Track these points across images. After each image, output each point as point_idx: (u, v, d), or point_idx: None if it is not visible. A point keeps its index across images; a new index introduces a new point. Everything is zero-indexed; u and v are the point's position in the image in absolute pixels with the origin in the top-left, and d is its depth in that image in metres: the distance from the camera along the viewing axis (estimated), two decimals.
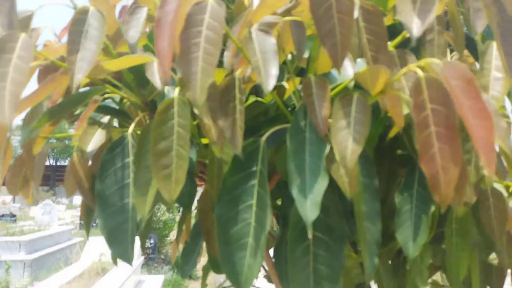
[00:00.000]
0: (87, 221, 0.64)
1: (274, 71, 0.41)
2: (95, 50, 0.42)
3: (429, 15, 0.38)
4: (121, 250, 0.47)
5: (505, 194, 0.60)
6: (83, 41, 0.42)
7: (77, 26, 0.43)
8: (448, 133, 0.34)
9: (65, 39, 0.65)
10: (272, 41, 0.43)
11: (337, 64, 0.39)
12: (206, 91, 0.36)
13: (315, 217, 0.38)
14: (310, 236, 0.40)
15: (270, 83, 0.40)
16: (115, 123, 0.67)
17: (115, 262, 0.62)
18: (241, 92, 0.44)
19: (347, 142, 0.39)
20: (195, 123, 0.52)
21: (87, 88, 0.51)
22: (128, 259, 0.46)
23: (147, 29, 0.60)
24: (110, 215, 0.47)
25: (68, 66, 0.40)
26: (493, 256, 0.73)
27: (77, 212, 11.42)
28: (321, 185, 0.40)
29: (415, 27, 0.38)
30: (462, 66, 0.35)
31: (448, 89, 0.35)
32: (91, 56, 0.41)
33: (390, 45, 0.48)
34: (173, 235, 6.98)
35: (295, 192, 0.40)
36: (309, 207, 0.38)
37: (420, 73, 0.37)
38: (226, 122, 0.42)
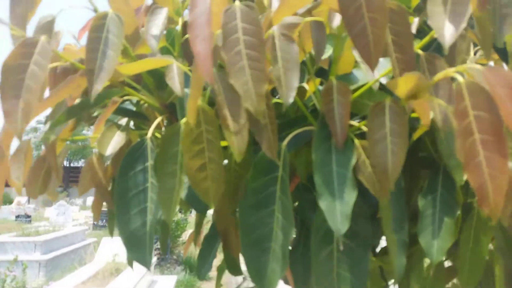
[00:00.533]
0: (111, 222, 0.64)
1: (295, 83, 0.40)
2: (113, 58, 0.41)
3: (463, 19, 0.36)
4: (139, 255, 0.46)
5: None
6: (102, 48, 0.42)
7: (96, 33, 0.43)
8: (494, 140, 0.33)
9: (83, 40, 0.65)
10: (295, 49, 0.42)
11: (371, 65, 0.38)
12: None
13: (345, 229, 0.37)
14: (341, 248, 0.39)
15: (290, 96, 0.39)
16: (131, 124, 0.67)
17: (130, 265, 0.61)
18: (269, 96, 0.43)
19: (386, 156, 0.38)
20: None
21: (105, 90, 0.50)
22: (146, 264, 0.46)
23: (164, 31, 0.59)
24: (129, 219, 0.47)
25: (87, 76, 0.40)
26: None
27: (91, 213, 11.54)
28: (351, 196, 0.39)
29: (447, 36, 0.36)
30: (505, 72, 0.33)
31: (492, 95, 0.33)
32: (109, 65, 0.41)
33: (416, 46, 0.47)
34: (185, 235, 7.01)
35: (323, 204, 0.39)
36: (339, 220, 0.37)
37: (460, 78, 0.36)
38: (257, 127, 0.41)
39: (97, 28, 0.44)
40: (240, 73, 0.36)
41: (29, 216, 10.39)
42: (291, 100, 0.39)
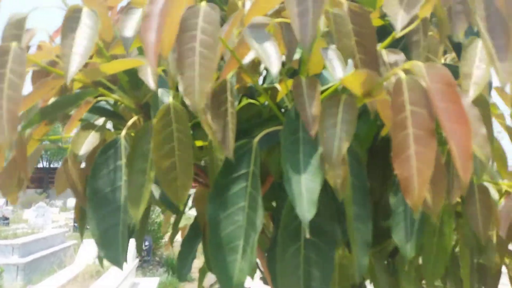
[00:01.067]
0: (81, 224, 0.64)
1: (275, 53, 0.41)
2: (88, 46, 0.42)
3: (414, 8, 0.38)
4: (112, 253, 0.46)
5: (493, 192, 0.60)
6: (76, 37, 0.42)
7: (70, 23, 0.43)
8: (425, 136, 0.34)
9: (58, 40, 0.65)
10: (265, 32, 0.43)
11: (306, 45, 0.38)
12: (205, 95, 0.37)
13: (312, 216, 0.38)
14: (307, 236, 0.40)
15: (274, 65, 0.40)
16: (110, 125, 0.67)
17: (101, 265, 0.62)
18: (233, 95, 0.44)
19: (333, 141, 0.40)
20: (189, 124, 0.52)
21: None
22: (119, 263, 0.46)
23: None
24: (102, 218, 0.47)
25: (62, 59, 0.40)
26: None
27: (71, 215, 11.34)
28: (317, 183, 0.40)
29: (399, 20, 0.38)
30: (443, 69, 0.35)
31: (428, 91, 0.35)
32: (84, 51, 0.41)
33: (380, 46, 0.48)
34: (168, 237, 6.95)
35: (290, 191, 0.40)
36: (306, 206, 0.38)
37: (402, 75, 0.37)
38: (218, 125, 0.42)
39: (71, 19, 0.44)
40: (189, 68, 0.37)
41: (7, 218, 10.14)
42: (276, 69, 0.40)
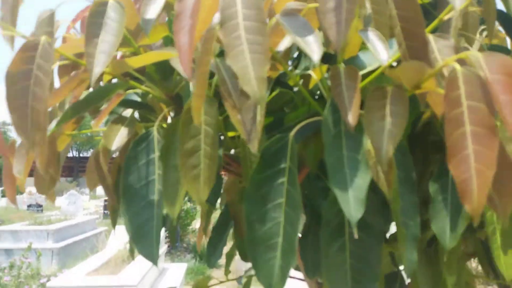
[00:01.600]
0: (113, 215, 0.64)
1: (315, 39, 0.38)
2: (114, 42, 0.40)
3: None
4: (146, 249, 0.45)
5: None
6: (102, 34, 0.41)
7: (95, 18, 0.41)
8: (485, 133, 0.31)
9: (79, 29, 0.63)
10: (300, 18, 0.41)
11: (338, 41, 0.36)
12: (265, 81, 0.34)
13: (360, 215, 0.36)
14: (356, 236, 0.38)
15: (315, 52, 0.37)
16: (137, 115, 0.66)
17: (132, 257, 0.61)
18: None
19: (382, 135, 0.37)
20: (221, 117, 0.50)
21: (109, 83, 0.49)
22: (153, 258, 0.45)
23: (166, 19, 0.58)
24: (136, 213, 0.46)
25: (87, 59, 0.39)
26: None
27: (101, 202, 11.67)
28: (364, 180, 0.37)
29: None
30: (504, 58, 0.31)
31: (488, 85, 0.31)
32: (110, 49, 0.40)
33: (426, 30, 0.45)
34: (195, 223, 7.06)
35: (336, 189, 0.37)
36: (352, 205, 0.36)
37: (457, 66, 0.34)
38: (246, 118, 0.39)
39: (97, 14, 0.42)
40: (240, 56, 0.35)
41: (40, 206, 10.54)
42: (317, 56, 0.37)
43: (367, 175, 0.37)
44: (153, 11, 0.45)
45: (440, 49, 0.41)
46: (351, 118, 0.38)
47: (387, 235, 0.71)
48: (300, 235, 0.74)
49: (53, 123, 0.47)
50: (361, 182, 0.37)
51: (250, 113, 0.39)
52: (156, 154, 0.47)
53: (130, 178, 0.46)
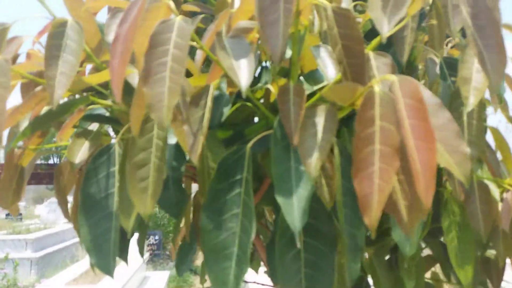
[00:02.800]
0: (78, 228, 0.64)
1: (246, 69, 0.40)
2: (74, 63, 0.41)
3: (400, 12, 0.37)
4: (102, 261, 0.46)
5: (494, 190, 0.59)
6: (62, 55, 0.42)
7: (55, 40, 0.42)
8: (391, 152, 0.33)
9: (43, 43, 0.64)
10: (243, 40, 0.42)
11: (276, 58, 0.38)
12: (172, 111, 0.36)
13: (302, 225, 0.37)
14: (298, 245, 0.40)
15: (243, 82, 0.39)
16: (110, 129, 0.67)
17: (93, 270, 0.62)
18: (212, 101, 0.43)
19: (313, 150, 0.39)
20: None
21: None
22: (109, 271, 0.46)
23: None
24: (93, 224, 0.46)
25: (47, 82, 0.40)
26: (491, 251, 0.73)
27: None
28: (307, 190, 0.39)
29: (385, 25, 0.37)
30: (414, 84, 0.33)
31: (398, 107, 0.33)
32: (70, 70, 0.41)
33: (367, 48, 0.47)
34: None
35: (280, 199, 0.39)
36: (296, 216, 0.38)
37: (377, 88, 0.36)
38: (191, 130, 0.41)
39: (56, 35, 0.43)
40: (160, 83, 0.36)
41: (20, 214, 10.29)
42: (245, 83, 0.39)
43: (310, 187, 0.39)
44: (113, 33, 0.46)
45: (379, 66, 0.43)
46: (295, 133, 0.40)
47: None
48: (265, 243, 0.76)
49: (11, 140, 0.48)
50: (304, 193, 0.38)
51: (195, 125, 0.41)
52: (116, 167, 0.48)
53: (89, 190, 0.47)
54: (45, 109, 0.49)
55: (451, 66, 0.60)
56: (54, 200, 9.85)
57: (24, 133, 0.45)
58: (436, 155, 0.31)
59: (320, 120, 0.40)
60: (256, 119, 0.62)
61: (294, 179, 0.40)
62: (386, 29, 0.36)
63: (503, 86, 0.65)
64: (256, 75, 0.63)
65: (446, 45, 0.72)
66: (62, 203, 0.55)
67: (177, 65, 0.37)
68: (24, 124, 0.48)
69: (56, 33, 0.43)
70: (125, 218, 0.43)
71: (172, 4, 0.40)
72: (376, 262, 0.71)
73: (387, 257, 0.77)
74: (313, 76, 0.56)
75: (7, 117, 0.45)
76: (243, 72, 0.39)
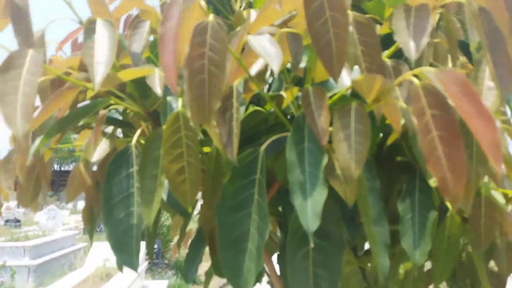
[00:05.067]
0: (90, 227, 0.66)
1: (277, 52, 0.43)
2: (109, 54, 0.44)
3: (424, 35, 0.39)
4: (126, 257, 0.48)
5: (501, 201, 0.61)
6: (96, 47, 0.45)
7: (90, 34, 0.45)
8: (449, 136, 0.36)
9: (67, 51, 0.67)
10: (267, 36, 0.45)
11: (335, 76, 0.41)
12: (214, 113, 0.38)
13: (316, 227, 0.39)
14: (312, 245, 0.42)
15: (275, 63, 0.42)
16: (120, 134, 0.69)
17: (120, 269, 0.63)
18: (238, 101, 0.45)
19: (350, 154, 0.41)
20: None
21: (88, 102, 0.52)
22: (133, 266, 0.48)
23: (151, 37, 0.62)
24: (116, 223, 0.49)
25: (88, 68, 0.42)
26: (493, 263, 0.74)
27: (81, 217, 11.42)
28: (321, 195, 0.41)
29: (412, 50, 0.40)
30: (456, 72, 0.36)
31: (446, 95, 0.36)
32: (107, 60, 0.44)
33: (385, 55, 0.50)
34: (176, 240, 6.97)
35: (296, 202, 0.41)
36: (310, 218, 0.40)
37: (416, 81, 0.38)
38: (223, 130, 0.43)
39: (90, 30, 0.46)
40: (199, 86, 0.39)
41: (18, 221, 10.27)
42: (277, 66, 0.42)
43: (324, 191, 0.41)
44: (138, 44, 0.49)
45: (397, 73, 0.46)
46: (322, 134, 0.42)
47: (359, 252, 0.75)
48: (273, 252, 0.77)
49: (37, 140, 0.50)
50: (318, 197, 0.41)
51: (226, 126, 0.43)
52: (134, 168, 0.50)
53: (111, 191, 0.49)
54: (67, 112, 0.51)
55: None
56: (53, 207, 9.83)
57: (51, 132, 0.47)
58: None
59: (351, 120, 0.42)
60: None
61: (309, 183, 0.41)
62: (413, 53, 0.39)
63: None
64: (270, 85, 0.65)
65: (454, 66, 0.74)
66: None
67: (214, 68, 0.40)
68: (48, 123, 0.50)
69: (90, 29, 0.46)
70: (146, 209, 0.45)
71: (204, 4, 0.43)
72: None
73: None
74: (324, 86, 0.58)
75: (36, 117, 0.46)
76: (274, 56, 0.42)
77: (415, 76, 0.41)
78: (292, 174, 0.42)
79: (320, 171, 0.42)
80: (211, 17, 0.41)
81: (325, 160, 0.42)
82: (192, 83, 0.39)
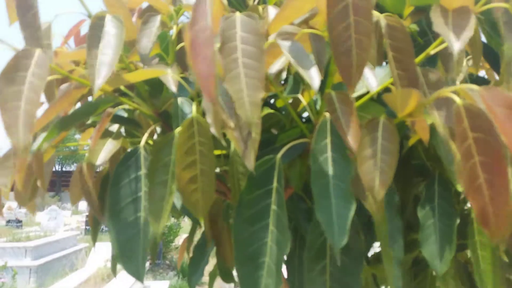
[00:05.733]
0: (94, 229, 0.63)
1: (313, 67, 0.41)
2: (113, 55, 0.41)
3: (466, 29, 0.36)
4: (132, 266, 0.45)
5: None
6: (101, 47, 0.42)
7: (95, 31, 0.42)
8: (493, 162, 0.32)
9: (72, 44, 0.64)
10: (297, 44, 0.43)
11: (351, 85, 0.38)
12: (258, 106, 0.35)
13: (343, 244, 0.36)
14: (338, 263, 0.39)
15: (315, 80, 0.40)
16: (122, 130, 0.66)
17: (114, 272, 0.60)
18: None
19: (374, 174, 0.38)
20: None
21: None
22: (139, 276, 0.45)
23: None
24: (122, 228, 0.46)
25: (89, 70, 0.39)
26: None
27: (83, 218, 11.44)
28: (349, 209, 0.38)
29: (454, 41, 0.36)
30: (502, 92, 0.33)
31: (490, 117, 0.33)
32: (110, 62, 0.40)
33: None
34: (178, 240, 6.96)
35: (321, 217, 0.38)
36: (336, 234, 0.37)
37: (457, 100, 0.35)
38: (241, 135, 0.40)
39: (96, 26, 0.43)
40: (235, 80, 0.35)
41: (20, 221, 10.27)
42: (317, 84, 0.40)
43: (351, 205, 0.38)
44: (148, 40, 0.46)
45: (428, 83, 0.42)
46: (352, 142, 0.39)
47: (369, 256, 0.72)
48: (285, 258, 0.74)
49: (39, 138, 0.47)
50: (345, 212, 0.37)
51: (245, 130, 0.40)
52: (143, 172, 0.47)
53: (117, 195, 0.46)
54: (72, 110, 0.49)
55: (475, 82, 0.60)
56: (54, 207, 9.83)
57: (54, 131, 0.44)
58: None
59: (378, 136, 0.39)
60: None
61: (334, 196, 0.39)
62: (457, 47, 0.36)
63: None
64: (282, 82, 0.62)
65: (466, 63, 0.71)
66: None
67: (250, 60, 0.36)
68: (51, 122, 0.47)
69: (96, 25, 0.43)
70: (154, 221, 0.42)
71: (225, 0, 0.40)
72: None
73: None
74: (343, 87, 0.55)
75: (42, 117, 0.44)
76: (313, 72, 0.40)
77: (456, 93, 0.38)
78: (315, 186, 0.39)
79: (346, 183, 0.39)
80: (237, 12, 0.38)
81: (352, 172, 0.39)
82: (227, 78, 0.35)
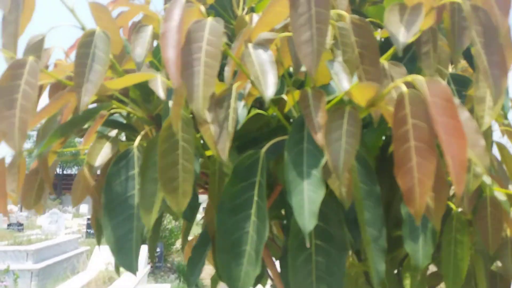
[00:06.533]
0: (98, 232, 0.66)
1: (272, 79, 0.43)
2: (101, 72, 0.44)
3: (415, 25, 0.39)
4: (126, 260, 0.48)
5: (504, 199, 0.61)
6: (90, 63, 0.45)
7: (84, 49, 0.45)
8: (426, 148, 0.36)
9: (73, 56, 0.67)
10: (268, 53, 0.46)
11: (312, 70, 0.41)
12: (208, 100, 0.39)
13: (312, 226, 0.39)
14: (308, 245, 0.41)
15: (269, 92, 0.42)
16: (123, 136, 0.69)
17: (117, 272, 0.63)
18: (236, 102, 0.46)
19: (339, 154, 0.41)
20: (198, 135, 0.54)
21: (95, 105, 0.53)
22: (133, 269, 0.48)
23: (155, 43, 0.62)
24: (116, 225, 0.49)
25: (75, 89, 0.43)
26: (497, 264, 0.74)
27: (84, 221, 11.45)
28: (319, 195, 0.41)
29: (401, 37, 0.40)
30: (443, 85, 0.36)
31: (429, 106, 0.36)
32: (97, 78, 0.44)
33: (382, 57, 0.50)
34: (179, 243, 6.98)
35: (293, 202, 0.41)
36: (307, 217, 0.39)
37: (404, 88, 0.38)
38: (217, 129, 0.43)
39: (85, 44, 0.46)
40: (195, 76, 0.40)
41: (21, 224, 10.28)
42: (270, 95, 0.42)
43: (321, 191, 0.41)
44: (141, 48, 0.50)
45: (394, 75, 0.46)
46: (319, 134, 0.42)
47: (363, 256, 0.74)
48: (278, 256, 0.77)
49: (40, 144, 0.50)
50: (316, 197, 0.40)
51: (220, 124, 0.43)
52: (136, 171, 0.50)
53: (111, 193, 0.49)
54: (70, 115, 0.52)
55: (458, 82, 0.63)
56: (55, 211, 9.84)
57: (54, 137, 0.47)
58: (466, 149, 0.34)
59: (343, 123, 0.42)
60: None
61: (306, 183, 0.41)
62: (402, 40, 0.39)
63: (507, 104, 0.66)
64: None
65: (455, 69, 0.74)
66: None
67: (210, 59, 0.41)
68: (52, 126, 0.50)
69: (85, 42, 0.46)
70: (145, 214, 0.45)
71: (203, 8, 0.43)
72: (386, 276, 0.72)
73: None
74: (325, 89, 0.58)
75: (36, 116, 0.47)
76: (269, 84, 0.43)
77: (408, 83, 0.41)
78: (289, 174, 0.42)
79: (318, 171, 0.42)
80: (209, 17, 0.42)
81: (323, 160, 0.42)
82: (187, 73, 0.40)
